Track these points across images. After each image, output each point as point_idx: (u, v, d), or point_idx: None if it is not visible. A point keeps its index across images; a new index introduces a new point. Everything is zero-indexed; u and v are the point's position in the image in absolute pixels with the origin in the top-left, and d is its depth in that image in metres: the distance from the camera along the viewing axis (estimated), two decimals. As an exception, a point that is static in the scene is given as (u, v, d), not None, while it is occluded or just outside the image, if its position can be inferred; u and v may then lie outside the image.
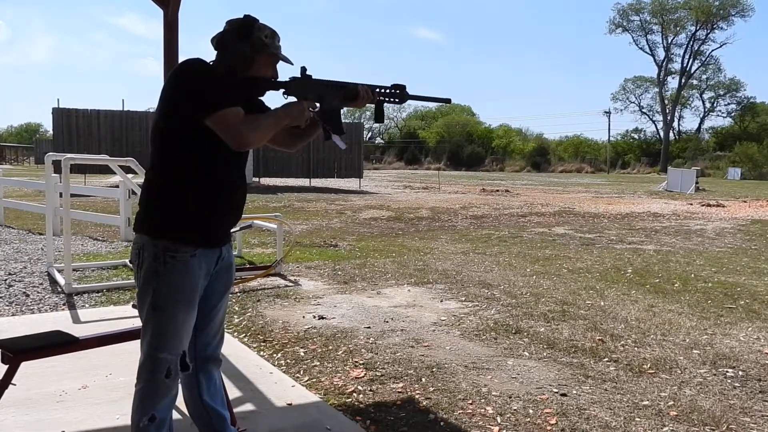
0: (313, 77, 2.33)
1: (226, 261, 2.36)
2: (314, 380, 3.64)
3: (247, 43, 2.21)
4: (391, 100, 2.42)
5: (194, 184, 2.15)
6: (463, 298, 5.76)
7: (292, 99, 2.32)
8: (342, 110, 2.41)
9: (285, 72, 2.34)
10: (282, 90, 2.32)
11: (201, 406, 2.40)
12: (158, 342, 2.16)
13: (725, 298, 5.95)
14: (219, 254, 2.30)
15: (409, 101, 2.51)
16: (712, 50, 64.91)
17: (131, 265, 2.27)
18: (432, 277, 6.78)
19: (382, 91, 2.40)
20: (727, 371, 3.90)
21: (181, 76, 2.13)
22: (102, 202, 14.31)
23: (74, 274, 6.01)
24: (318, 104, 2.34)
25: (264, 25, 2.24)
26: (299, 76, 2.31)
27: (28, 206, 11.34)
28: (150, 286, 2.15)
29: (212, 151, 2.14)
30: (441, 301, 5.68)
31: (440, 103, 2.61)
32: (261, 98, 2.39)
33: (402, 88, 2.41)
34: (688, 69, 64.23)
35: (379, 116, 2.48)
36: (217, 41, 2.26)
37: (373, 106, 2.45)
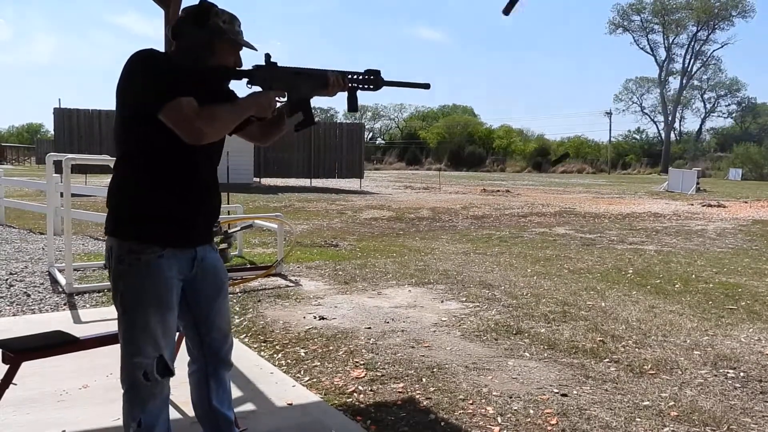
0: (279, 65, 2.21)
1: (208, 263, 2.27)
2: (315, 380, 3.64)
3: (205, 30, 2.12)
4: (365, 87, 2.29)
5: (156, 182, 2.08)
6: (464, 299, 5.76)
7: (257, 89, 2.20)
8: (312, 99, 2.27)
9: (251, 60, 2.22)
10: (245, 80, 2.20)
11: (210, 410, 2.38)
12: (130, 346, 2.11)
13: (726, 299, 5.95)
14: (194, 255, 2.21)
15: (387, 88, 2.34)
16: (713, 50, 65.10)
17: (106, 269, 2.22)
18: (433, 277, 6.78)
19: (355, 77, 2.27)
20: (727, 372, 3.90)
21: (131, 69, 2.04)
22: (103, 201, 14.27)
23: (75, 273, 6.02)
24: (286, 93, 2.23)
25: (222, 11, 2.15)
26: (264, 63, 2.19)
27: (29, 206, 11.34)
28: (118, 290, 2.11)
29: (173, 146, 2.05)
30: (442, 301, 5.68)
31: (419, 89, 2.40)
32: (231, 89, 2.28)
33: (376, 73, 2.28)
34: (689, 69, 64.30)
35: (352, 105, 2.29)
36: (173, 30, 2.18)
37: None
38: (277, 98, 2.22)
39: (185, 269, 2.19)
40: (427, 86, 2.41)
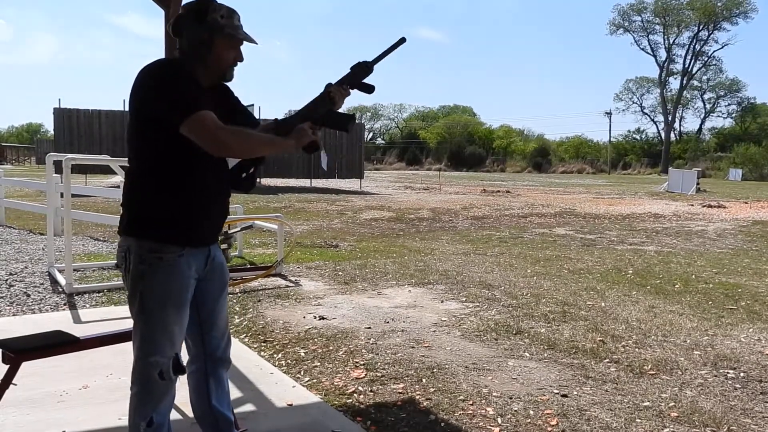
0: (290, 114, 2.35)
1: (217, 261, 2.32)
2: (315, 381, 3.64)
3: (204, 27, 2.13)
4: (363, 77, 2.40)
5: (174, 185, 2.11)
6: (464, 299, 5.76)
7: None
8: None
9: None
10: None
11: (209, 410, 2.39)
12: (147, 345, 2.13)
13: (726, 299, 5.95)
14: (208, 254, 2.26)
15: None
16: (714, 51, 64.97)
17: (118, 268, 2.23)
18: (433, 277, 6.78)
19: (349, 78, 2.38)
20: (728, 372, 3.90)
21: (149, 80, 2.08)
22: (103, 202, 14.31)
23: (75, 274, 6.02)
24: (314, 122, 2.32)
25: (220, 5, 2.16)
26: (277, 119, 2.34)
27: (29, 206, 11.34)
28: (137, 289, 2.12)
29: (189, 152, 2.09)
30: (442, 301, 5.67)
31: (399, 46, 2.47)
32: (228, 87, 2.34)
33: (361, 64, 2.38)
34: (689, 70, 64.27)
35: (368, 89, 2.43)
36: (173, 27, 2.19)
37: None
38: (310, 127, 2.26)
39: (200, 268, 2.23)
40: (402, 40, 2.48)
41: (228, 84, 2.33)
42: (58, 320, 4.66)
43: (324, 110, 2.33)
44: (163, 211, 2.12)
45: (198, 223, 2.18)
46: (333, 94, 2.31)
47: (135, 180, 2.17)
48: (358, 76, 2.39)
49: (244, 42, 2.21)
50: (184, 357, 2.39)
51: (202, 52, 2.15)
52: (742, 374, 3.87)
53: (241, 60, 2.24)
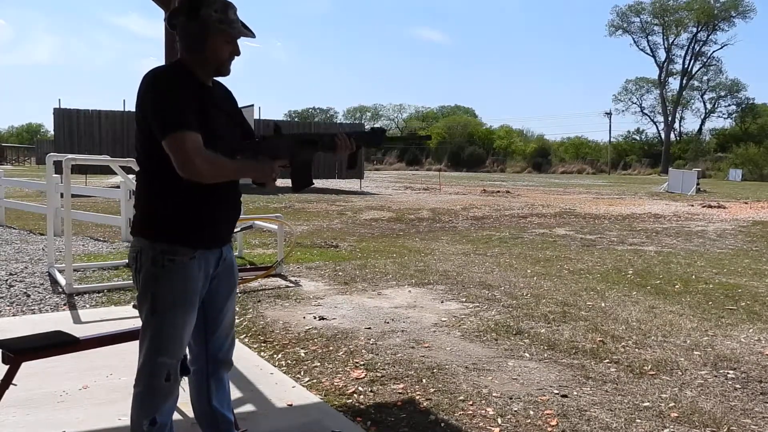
0: (286, 134, 2.29)
1: (228, 261, 2.32)
2: (315, 381, 3.64)
3: (197, 22, 2.08)
4: (368, 145, 2.35)
5: (181, 187, 2.08)
6: (464, 299, 5.76)
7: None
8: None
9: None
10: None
11: (209, 410, 2.38)
12: (157, 346, 2.13)
13: (726, 300, 5.95)
14: (220, 255, 2.26)
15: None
16: (713, 51, 64.93)
17: (129, 268, 2.24)
18: (432, 278, 6.78)
19: (360, 137, 2.32)
20: (728, 373, 3.90)
21: (145, 88, 2.07)
22: (103, 202, 14.32)
23: (75, 274, 6.02)
24: (290, 162, 2.30)
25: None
26: (272, 134, 2.28)
27: (29, 207, 11.35)
28: (149, 290, 2.12)
29: None
30: (442, 302, 5.68)
31: (421, 141, 2.43)
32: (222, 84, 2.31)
33: (381, 132, 2.31)
34: (689, 70, 64.26)
35: (352, 163, 2.39)
36: (169, 21, 2.16)
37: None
38: (281, 166, 2.24)
39: (210, 270, 2.23)
40: (428, 138, 2.44)
41: (228, 84, 2.33)
42: (58, 320, 4.66)
43: (312, 154, 2.29)
44: (174, 213, 2.11)
45: (210, 224, 2.17)
46: (338, 143, 2.26)
47: (145, 182, 2.17)
48: (367, 140, 2.34)
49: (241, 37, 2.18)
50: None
51: (197, 47, 2.12)
52: (742, 374, 3.87)
53: (238, 54, 2.19)
